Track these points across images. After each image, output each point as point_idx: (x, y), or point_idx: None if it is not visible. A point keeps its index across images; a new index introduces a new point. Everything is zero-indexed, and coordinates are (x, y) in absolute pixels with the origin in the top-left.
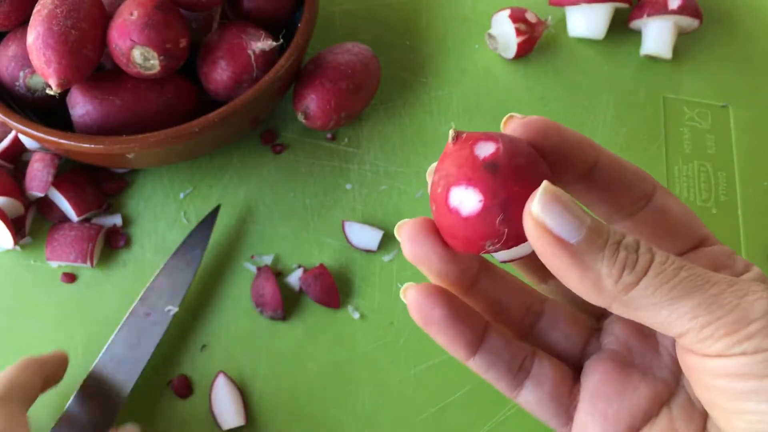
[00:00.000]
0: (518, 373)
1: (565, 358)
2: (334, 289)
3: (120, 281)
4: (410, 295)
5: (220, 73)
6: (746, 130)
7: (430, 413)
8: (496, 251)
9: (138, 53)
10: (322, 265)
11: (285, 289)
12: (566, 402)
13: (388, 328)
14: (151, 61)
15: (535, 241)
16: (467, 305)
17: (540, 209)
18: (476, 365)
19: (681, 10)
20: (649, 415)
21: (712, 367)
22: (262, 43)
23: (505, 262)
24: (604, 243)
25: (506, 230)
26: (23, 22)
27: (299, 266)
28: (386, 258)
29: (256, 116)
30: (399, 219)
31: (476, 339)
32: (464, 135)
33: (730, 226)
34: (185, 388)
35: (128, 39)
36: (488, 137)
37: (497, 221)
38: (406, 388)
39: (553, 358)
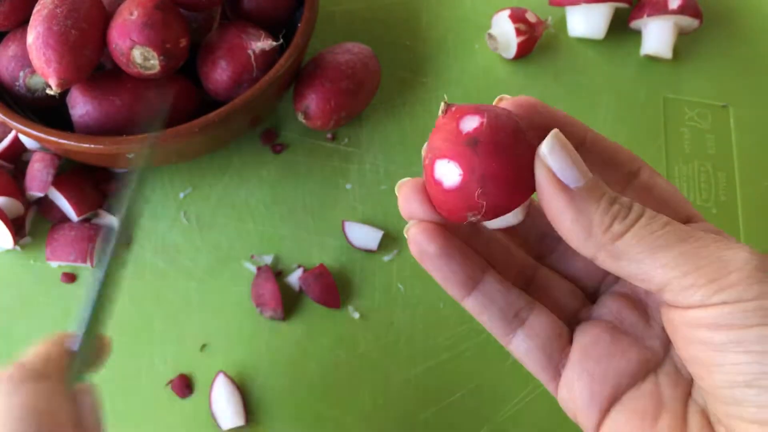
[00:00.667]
0: (513, 321)
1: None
2: (334, 289)
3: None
4: (411, 231)
5: (220, 73)
6: (746, 130)
7: (431, 413)
8: (478, 222)
9: (138, 53)
10: (322, 265)
11: (285, 289)
12: (557, 357)
13: (389, 328)
14: (151, 61)
15: (539, 180)
16: (466, 247)
17: (548, 152)
18: (470, 306)
19: (681, 10)
20: (635, 379)
21: (692, 318)
22: (262, 43)
23: (495, 229)
24: (600, 195)
25: (485, 203)
26: (23, 22)
27: (299, 266)
28: (386, 258)
29: (256, 116)
30: (399, 219)
31: (471, 279)
32: (453, 108)
33: (730, 226)
34: (185, 388)
35: (128, 39)
36: (475, 111)
37: (476, 195)
38: (406, 388)
39: (551, 313)
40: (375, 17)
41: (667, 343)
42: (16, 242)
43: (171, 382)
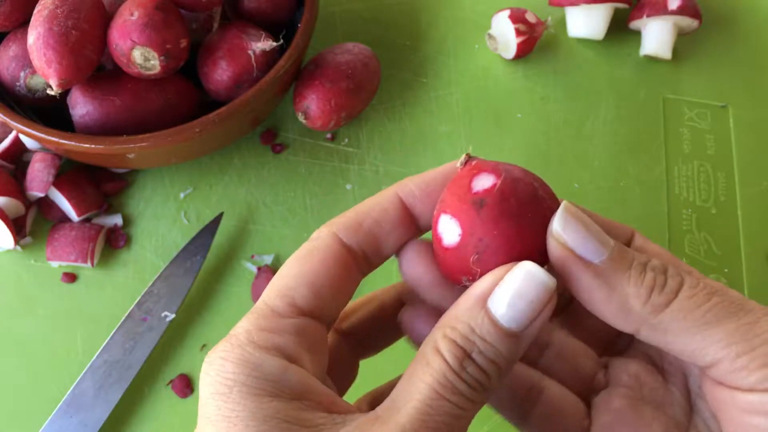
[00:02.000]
0: (523, 403)
1: (573, 390)
2: None
3: (120, 281)
4: (405, 316)
5: (220, 74)
6: (746, 130)
7: None
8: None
9: (138, 53)
10: None
11: None
12: None
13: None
14: (152, 62)
15: (558, 261)
16: None
17: (561, 228)
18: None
19: (681, 11)
20: None
21: (744, 401)
22: (263, 44)
23: None
24: (629, 263)
25: (479, 270)
26: (24, 23)
27: None
28: None
29: (257, 116)
30: None
31: None
32: (474, 162)
33: (729, 226)
34: (185, 388)
35: (128, 39)
36: (493, 170)
37: (471, 259)
38: None
39: (563, 388)
40: (375, 17)
41: (688, 411)
42: (16, 242)
43: (171, 382)
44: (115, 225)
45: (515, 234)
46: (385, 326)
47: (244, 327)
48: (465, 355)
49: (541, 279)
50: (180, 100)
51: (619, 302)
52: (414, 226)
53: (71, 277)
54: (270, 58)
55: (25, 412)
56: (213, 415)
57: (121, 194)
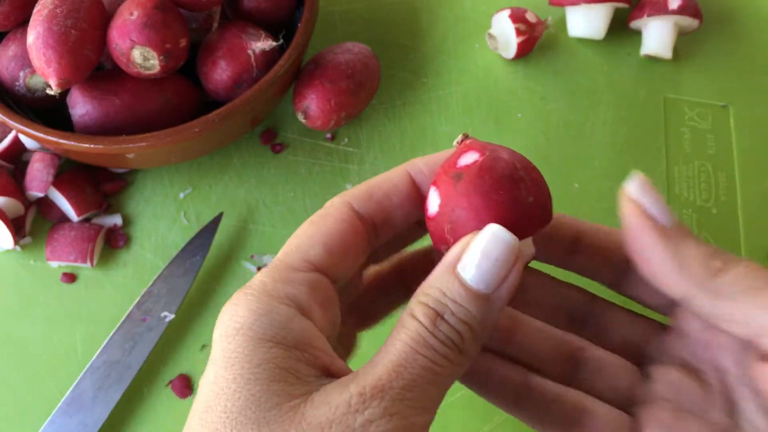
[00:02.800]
0: (571, 424)
1: (614, 404)
2: None
3: (120, 281)
4: None
5: (219, 73)
6: (746, 130)
7: None
8: None
9: (138, 53)
10: None
11: None
12: None
13: (386, 330)
14: (151, 61)
15: (630, 219)
16: (503, 365)
17: (636, 191)
18: (521, 419)
19: (681, 10)
20: None
21: None
22: (262, 43)
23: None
24: (690, 233)
25: (452, 239)
26: (23, 22)
27: None
28: None
29: (256, 116)
30: None
31: (514, 399)
32: (468, 141)
33: (730, 226)
34: (185, 388)
35: (128, 39)
36: (480, 148)
37: (445, 229)
38: None
39: (606, 405)
40: (375, 17)
41: (731, 411)
42: (16, 242)
43: (170, 382)
44: (115, 225)
45: (485, 207)
46: (384, 294)
47: (260, 278)
48: (437, 315)
49: (504, 238)
50: (180, 100)
51: (680, 262)
52: (421, 202)
53: (71, 278)
54: (270, 58)
55: (24, 412)
56: (216, 355)
57: (120, 194)
